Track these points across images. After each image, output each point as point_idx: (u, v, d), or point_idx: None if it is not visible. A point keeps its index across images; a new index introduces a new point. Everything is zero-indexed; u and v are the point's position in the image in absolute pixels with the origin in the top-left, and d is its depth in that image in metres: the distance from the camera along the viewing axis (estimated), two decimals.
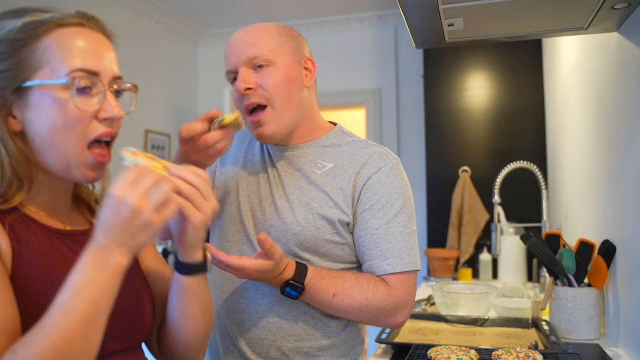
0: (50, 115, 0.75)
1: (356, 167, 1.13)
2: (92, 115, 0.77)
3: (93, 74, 0.77)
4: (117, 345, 0.82)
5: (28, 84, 0.75)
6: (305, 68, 1.17)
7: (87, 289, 0.67)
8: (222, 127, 1.04)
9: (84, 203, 0.91)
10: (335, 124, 1.25)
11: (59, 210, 0.84)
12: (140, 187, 0.70)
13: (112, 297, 0.70)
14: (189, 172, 0.80)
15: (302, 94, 1.15)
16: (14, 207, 0.77)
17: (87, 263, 0.69)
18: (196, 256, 0.86)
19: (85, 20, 0.80)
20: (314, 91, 1.21)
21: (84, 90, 0.76)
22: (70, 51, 0.76)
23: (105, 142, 0.81)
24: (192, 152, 1.06)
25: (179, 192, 0.77)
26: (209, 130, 1.04)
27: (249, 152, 1.23)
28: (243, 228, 1.16)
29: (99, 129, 0.78)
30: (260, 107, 1.10)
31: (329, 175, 1.14)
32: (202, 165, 1.09)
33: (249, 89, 1.09)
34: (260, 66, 1.10)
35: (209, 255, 0.90)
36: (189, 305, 0.89)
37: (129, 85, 0.85)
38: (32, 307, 0.71)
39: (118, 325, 0.81)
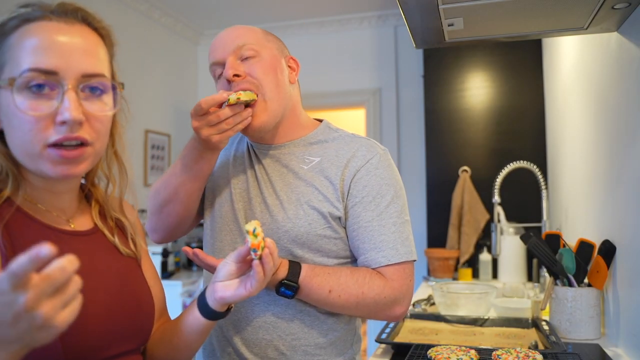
0: (8, 117, 0.73)
1: (343, 161, 1.13)
2: (48, 119, 0.71)
3: (49, 73, 0.71)
4: (118, 348, 0.81)
5: None
6: (289, 67, 1.19)
7: None
8: (232, 105, 1.04)
9: (97, 204, 0.90)
10: (321, 121, 1.25)
11: (63, 209, 0.82)
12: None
13: None
14: (276, 248, 0.89)
15: (289, 87, 1.17)
16: (10, 202, 0.75)
17: None
18: (225, 308, 0.93)
19: (59, 14, 0.75)
20: (298, 90, 1.23)
21: (37, 92, 0.71)
22: (24, 49, 0.71)
23: (74, 146, 0.74)
24: (204, 127, 1.04)
25: (264, 264, 0.86)
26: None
27: (237, 152, 1.24)
28: (237, 227, 1.16)
29: (54, 134, 0.71)
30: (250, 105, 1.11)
31: (316, 169, 1.14)
32: (214, 146, 1.07)
33: (237, 75, 1.09)
34: (247, 58, 1.11)
35: (233, 305, 0.96)
36: (196, 341, 0.94)
37: (107, 83, 0.77)
38: None
39: (119, 329, 0.80)
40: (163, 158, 3.85)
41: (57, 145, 0.72)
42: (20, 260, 0.54)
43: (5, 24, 0.74)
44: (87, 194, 0.90)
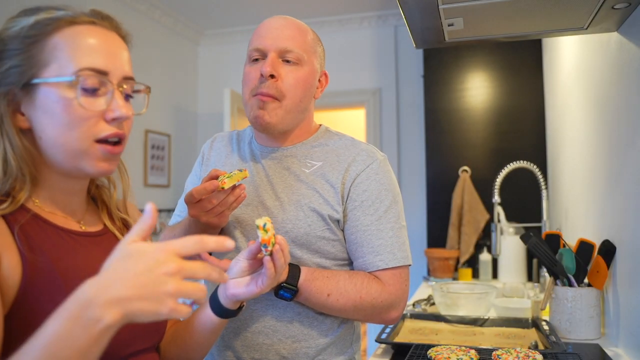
0: (55, 114, 0.74)
1: (344, 165, 1.15)
2: (99, 115, 0.76)
3: (101, 73, 0.75)
4: (136, 346, 0.81)
5: (35, 80, 0.74)
6: (319, 81, 1.21)
7: (57, 346, 0.57)
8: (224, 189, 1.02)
9: (104, 206, 0.90)
10: (319, 125, 1.26)
11: (74, 210, 0.83)
12: (189, 268, 0.61)
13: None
14: (287, 245, 0.91)
15: (311, 102, 1.19)
16: (25, 208, 0.75)
17: (67, 314, 0.59)
18: (237, 305, 0.95)
19: (99, 19, 0.79)
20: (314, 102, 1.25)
21: (91, 90, 0.75)
22: (79, 49, 0.75)
23: (114, 142, 0.79)
24: (201, 214, 1.05)
25: (275, 260, 0.88)
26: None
27: (237, 154, 1.23)
28: (234, 230, 1.16)
29: (106, 130, 0.76)
30: (272, 97, 1.11)
31: (317, 173, 1.15)
32: (216, 226, 1.09)
33: (273, 76, 1.10)
34: (288, 61, 1.12)
35: (245, 303, 0.97)
36: (208, 340, 0.95)
37: (141, 86, 0.84)
38: (47, 313, 0.67)
39: (135, 328, 0.79)
40: (163, 158, 3.85)
41: (102, 141, 0.76)
42: (209, 239, 0.62)
43: (42, 23, 0.75)
44: (92, 196, 0.90)
